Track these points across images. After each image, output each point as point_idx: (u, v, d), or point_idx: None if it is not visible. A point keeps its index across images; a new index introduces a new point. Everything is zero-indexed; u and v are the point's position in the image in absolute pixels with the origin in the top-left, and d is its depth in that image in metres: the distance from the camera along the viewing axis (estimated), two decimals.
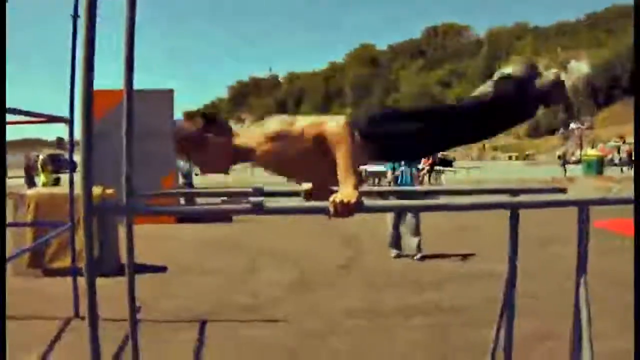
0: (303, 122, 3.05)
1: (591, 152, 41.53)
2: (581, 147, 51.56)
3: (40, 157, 25.83)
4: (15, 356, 5.38)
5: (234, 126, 3.20)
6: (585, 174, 34.40)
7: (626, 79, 72.81)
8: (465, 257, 10.51)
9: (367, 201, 2.77)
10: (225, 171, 3.22)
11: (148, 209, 2.95)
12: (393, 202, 3.15)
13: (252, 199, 2.65)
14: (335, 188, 2.87)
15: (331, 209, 2.72)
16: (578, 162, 43.87)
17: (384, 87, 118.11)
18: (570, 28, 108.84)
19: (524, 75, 3.41)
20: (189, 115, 3.16)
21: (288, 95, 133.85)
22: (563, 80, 3.45)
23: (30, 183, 26.04)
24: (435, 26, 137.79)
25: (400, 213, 10.47)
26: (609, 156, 48.91)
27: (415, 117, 3.29)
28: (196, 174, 20.81)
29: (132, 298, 3.83)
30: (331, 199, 2.73)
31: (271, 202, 2.79)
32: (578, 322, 3.02)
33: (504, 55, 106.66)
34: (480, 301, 7.09)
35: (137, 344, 4.00)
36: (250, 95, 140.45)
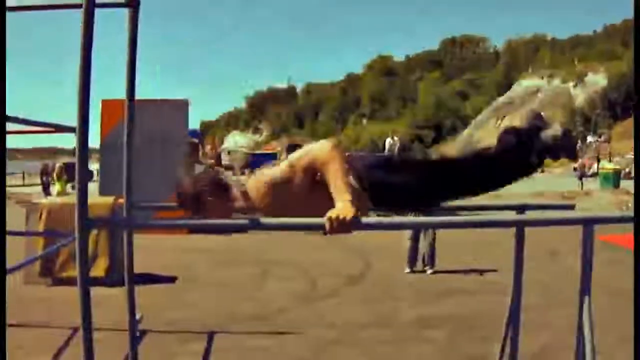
0: (289, 159, 3.06)
1: (608, 166, 41.15)
2: (598, 160, 51.05)
3: (57, 165, 25.96)
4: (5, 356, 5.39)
5: (234, 182, 3.22)
6: (602, 188, 34.05)
7: None
8: (480, 270, 10.45)
9: (364, 218, 2.75)
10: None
11: (143, 223, 2.93)
12: (392, 219, 3.10)
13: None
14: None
15: (327, 226, 2.70)
16: (595, 174, 43.48)
17: (401, 98, 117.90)
18: (588, 40, 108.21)
19: (528, 128, 3.34)
20: (193, 178, 3.20)
21: (305, 105, 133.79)
22: (571, 132, 3.37)
23: (46, 191, 26.19)
24: (453, 37, 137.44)
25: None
26: (627, 169, 48.46)
27: (414, 169, 3.27)
28: None
29: (132, 310, 3.82)
30: (327, 215, 2.71)
31: (269, 218, 2.78)
32: (582, 339, 2.98)
33: (522, 67, 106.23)
34: (493, 314, 7.04)
35: (137, 356, 3.98)
36: (268, 106, 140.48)
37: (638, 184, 3.39)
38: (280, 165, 3.08)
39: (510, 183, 3.44)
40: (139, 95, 3.69)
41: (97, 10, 2.58)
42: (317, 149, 2.94)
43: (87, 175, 2.60)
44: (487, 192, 3.54)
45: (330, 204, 2.84)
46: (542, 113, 3.54)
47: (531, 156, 3.31)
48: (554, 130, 3.32)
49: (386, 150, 24.13)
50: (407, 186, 3.16)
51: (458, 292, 8.99)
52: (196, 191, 3.10)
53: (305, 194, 3.04)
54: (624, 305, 7.33)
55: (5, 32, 3.03)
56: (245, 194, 3.14)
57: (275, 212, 3.09)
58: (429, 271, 10.42)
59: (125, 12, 3.59)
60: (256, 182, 3.11)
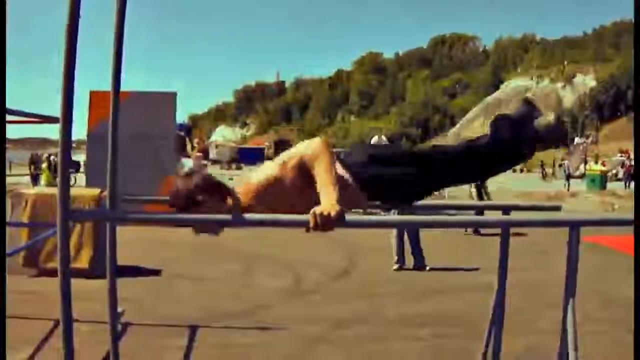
0: (279, 159, 3.08)
1: (595, 167, 41.42)
2: (585, 162, 51.35)
3: (44, 156, 25.97)
4: (5, 356, 5.34)
5: (228, 185, 3.20)
6: (588, 189, 34.28)
7: (631, 95, 72.65)
8: (468, 269, 10.44)
9: (348, 215, 2.73)
10: (217, 232, 3.18)
11: (125, 217, 2.89)
12: (376, 217, 3.09)
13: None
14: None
15: (311, 222, 2.68)
16: (582, 176, 43.76)
17: (389, 95, 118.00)
18: (577, 42, 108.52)
19: (521, 116, 3.33)
20: (186, 176, 3.14)
21: (294, 101, 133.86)
22: (563, 122, 3.36)
23: (34, 182, 26.19)
24: (442, 35, 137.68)
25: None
26: (614, 171, 48.76)
27: (408, 160, 3.26)
28: None
29: (113, 304, 3.79)
30: (312, 211, 2.70)
31: (252, 214, 2.75)
32: (565, 344, 2.97)
33: (511, 67, 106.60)
34: (479, 313, 7.05)
35: (118, 349, 3.95)
36: (256, 100, 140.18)
37: (638, 184, 3.40)
38: (271, 165, 3.09)
39: (502, 171, 3.46)
40: (128, 88, 3.67)
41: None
42: (306, 147, 2.95)
43: (69, 167, 2.55)
44: (479, 180, 3.58)
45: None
46: (534, 101, 3.52)
47: (523, 145, 3.30)
48: (547, 119, 3.31)
49: None
50: (401, 178, 3.16)
51: (445, 290, 9.00)
52: (189, 190, 3.05)
53: (296, 192, 3.04)
54: (613, 308, 7.42)
55: (6, 31, 3.00)
56: (237, 196, 3.12)
57: (268, 211, 3.07)
58: (426, 268, 10.46)
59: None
60: (247, 184, 3.10)
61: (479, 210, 9.73)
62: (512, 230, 3.79)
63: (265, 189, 3.04)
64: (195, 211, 3.03)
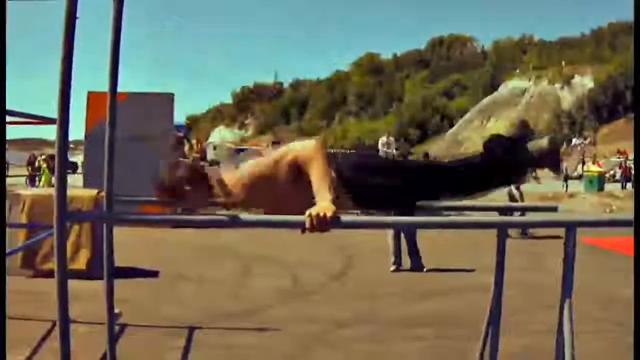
0: (273, 154, 3.08)
1: (593, 168, 41.41)
2: (583, 163, 51.27)
3: (43, 157, 25.99)
4: (5, 356, 5.33)
5: (213, 172, 3.19)
6: (586, 190, 34.26)
7: (629, 96, 72.59)
8: (467, 269, 10.42)
9: (344, 216, 2.73)
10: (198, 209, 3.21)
11: (122, 218, 2.89)
12: (372, 218, 3.11)
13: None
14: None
15: (307, 223, 2.69)
16: (580, 177, 43.73)
17: (387, 96, 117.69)
18: (575, 43, 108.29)
19: (514, 137, 3.35)
20: (171, 167, 3.15)
21: (292, 102, 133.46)
22: (558, 147, 3.36)
23: (31, 182, 26.19)
24: (440, 36, 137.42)
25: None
26: (611, 172, 48.71)
27: (401, 171, 3.27)
28: None
29: (110, 305, 3.79)
30: (307, 212, 2.70)
31: (248, 215, 2.75)
32: (561, 344, 2.97)
33: (509, 68, 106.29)
34: (480, 314, 7.04)
35: (114, 351, 3.95)
36: (255, 102, 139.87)
37: (638, 184, 3.40)
38: (264, 160, 3.07)
39: (494, 189, 3.46)
40: (128, 89, 3.67)
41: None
42: (302, 147, 2.96)
43: (66, 168, 2.55)
44: (470, 198, 3.56)
45: (311, 201, 2.84)
46: (528, 122, 3.55)
47: (516, 167, 3.32)
48: (541, 142, 3.32)
49: (380, 149, 23.92)
50: (390, 188, 3.16)
51: (444, 290, 8.99)
52: (173, 181, 3.07)
53: (286, 190, 3.04)
54: (611, 309, 7.42)
55: (5, 30, 3.00)
56: (224, 186, 3.11)
57: (255, 206, 3.08)
58: (424, 269, 10.43)
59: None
60: (239, 176, 3.09)
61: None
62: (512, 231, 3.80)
63: (255, 183, 3.04)
64: (180, 202, 3.09)
